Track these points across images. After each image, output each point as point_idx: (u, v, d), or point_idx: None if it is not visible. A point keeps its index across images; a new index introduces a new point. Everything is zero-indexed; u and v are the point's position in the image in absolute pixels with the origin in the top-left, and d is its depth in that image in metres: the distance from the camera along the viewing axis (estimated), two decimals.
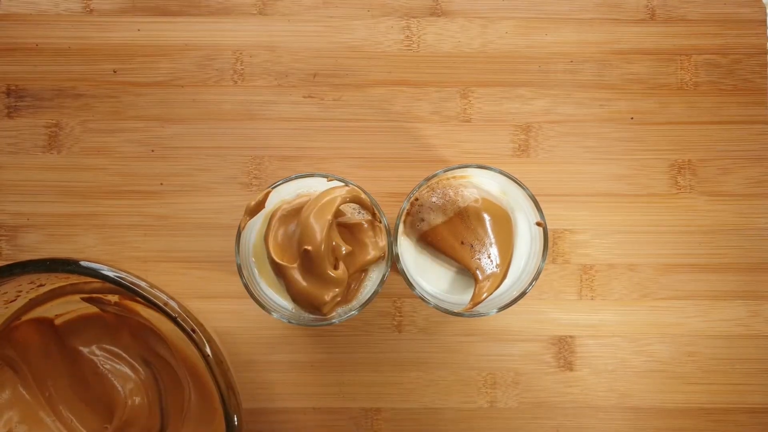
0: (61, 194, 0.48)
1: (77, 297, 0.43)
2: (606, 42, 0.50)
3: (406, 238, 0.44)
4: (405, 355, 0.48)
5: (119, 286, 0.37)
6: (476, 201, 0.43)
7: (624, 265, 0.49)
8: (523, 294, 0.42)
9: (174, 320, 0.37)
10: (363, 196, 0.43)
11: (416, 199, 0.43)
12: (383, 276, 0.42)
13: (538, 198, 0.42)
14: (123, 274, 0.38)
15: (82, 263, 0.38)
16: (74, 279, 0.42)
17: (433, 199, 0.43)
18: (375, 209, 0.43)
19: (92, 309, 0.45)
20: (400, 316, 0.48)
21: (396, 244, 0.42)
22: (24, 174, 0.49)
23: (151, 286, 0.38)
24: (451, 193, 0.43)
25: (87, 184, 0.49)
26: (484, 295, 0.42)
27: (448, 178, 0.44)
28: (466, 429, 0.48)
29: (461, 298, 0.44)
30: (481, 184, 0.44)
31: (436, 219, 0.43)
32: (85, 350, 0.45)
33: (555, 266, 0.49)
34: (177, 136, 0.49)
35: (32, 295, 0.43)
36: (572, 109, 0.49)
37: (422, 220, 0.43)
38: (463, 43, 0.50)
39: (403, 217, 0.43)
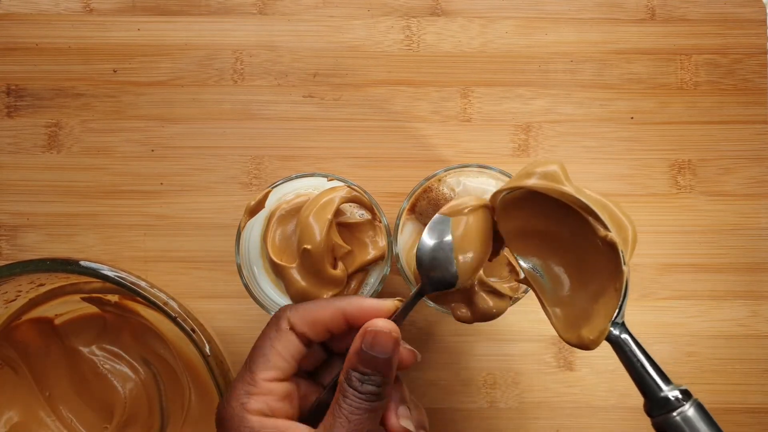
0: (61, 194, 0.48)
1: (77, 297, 0.44)
2: (606, 42, 0.50)
3: (416, 224, 0.43)
4: None
5: (119, 286, 0.38)
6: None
7: None
8: (523, 294, 0.42)
9: (174, 320, 0.38)
10: (363, 195, 0.43)
11: (415, 203, 0.43)
12: (383, 276, 0.42)
13: None
14: (123, 274, 0.38)
15: (82, 263, 0.38)
16: (74, 279, 0.42)
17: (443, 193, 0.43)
18: (375, 209, 0.43)
19: (92, 309, 0.45)
20: None
21: (396, 244, 0.42)
22: (24, 174, 0.49)
23: (151, 286, 0.38)
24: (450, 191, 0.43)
25: (87, 183, 0.49)
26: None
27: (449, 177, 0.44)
28: (466, 429, 0.48)
29: None
30: (482, 183, 0.44)
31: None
32: (85, 350, 0.46)
33: None
34: (177, 136, 0.49)
35: (32, 294, 0.43)
36: (572, 109, 0.49)
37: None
38: (463, 43, 0.50)
39: (406, 212, 0.43)
